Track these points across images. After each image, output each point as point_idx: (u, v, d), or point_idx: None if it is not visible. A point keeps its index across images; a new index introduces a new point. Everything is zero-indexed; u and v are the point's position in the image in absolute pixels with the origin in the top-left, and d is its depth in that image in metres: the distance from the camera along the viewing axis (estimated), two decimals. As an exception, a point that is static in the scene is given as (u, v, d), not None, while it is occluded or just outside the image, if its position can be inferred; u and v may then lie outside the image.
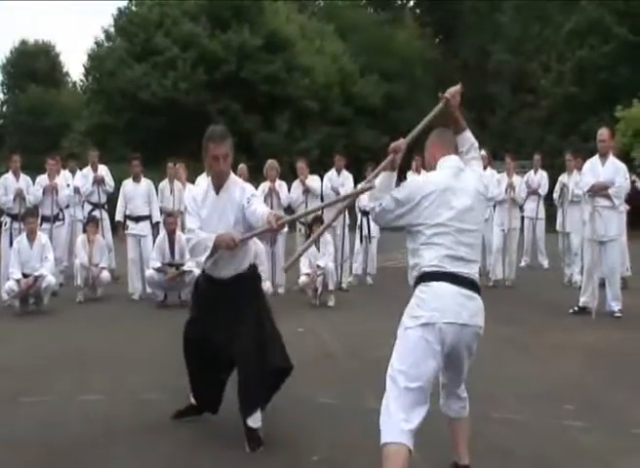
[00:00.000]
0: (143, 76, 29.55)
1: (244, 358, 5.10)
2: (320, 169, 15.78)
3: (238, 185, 5.34)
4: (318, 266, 10.93)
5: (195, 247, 5.17)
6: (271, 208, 11.92)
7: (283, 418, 5.59)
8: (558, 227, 13.59)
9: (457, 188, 4.16)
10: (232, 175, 5.38)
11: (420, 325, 3.98)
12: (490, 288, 12.42)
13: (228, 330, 5.16)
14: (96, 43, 34.40)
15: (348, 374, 7.04)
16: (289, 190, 12.52)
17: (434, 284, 4.01)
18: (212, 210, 5.24)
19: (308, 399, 6.09)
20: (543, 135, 29.93)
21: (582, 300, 9.92)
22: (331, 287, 10.96)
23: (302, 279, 11.06)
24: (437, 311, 3.94)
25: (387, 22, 41.35)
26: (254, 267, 5.45)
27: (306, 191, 12.40)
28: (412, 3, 48.70)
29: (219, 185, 5.28)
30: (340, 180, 12.87)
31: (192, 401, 5.64)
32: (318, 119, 31.92)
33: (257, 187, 12.22)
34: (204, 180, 5.50)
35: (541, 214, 14.98)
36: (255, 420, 5.09)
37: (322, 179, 12.99)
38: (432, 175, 4.39)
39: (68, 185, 12.83)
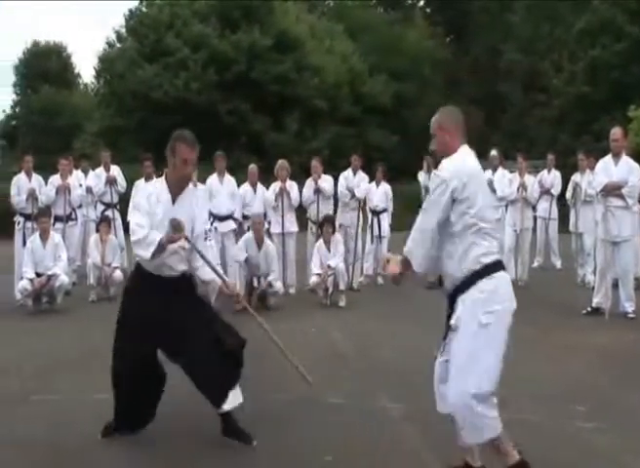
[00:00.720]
0: (155, 77, 29.61)
1: (201, 351, 5.03)
2: (330, 169, 15.79)
3: (197, 199, 5.27)
4: (329, 266, 10.93)
5: (141, 241, 5.00)
6: (282, 208, 11.99)
7: (295, 418, 5.60)
8: (571, 227, 13.54)
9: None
10: (191, 185, 5.35)
11: (498, 317, 4.28)
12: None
13: (179, 326, 5.06)
14: (107, 43, 34.51)
15: (359, 374, 7.04)
16: (300, 190, 12.53)
17: (497, 275, 4.26)
18: (164, 219, 5.05)
19: (319, 399, 6.09)
20: (556, 134, 29.83)
21: (596, 301, 9.89)
22: (342, 287, 10.95)
23: (313, 279, 11.06)
24: (508, 300, 4.35)
25: (397, 22, 41.28)
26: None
27: (318, 191, 12.39)
28: (422, 2, 48.63)
29: (177, 192, 5.15)
30: (355, 181, 12.88)
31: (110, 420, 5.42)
32: (328, 119, 31.91)
33: (267, 187, 12.32)
34: (158, 183, 5.27)
35: (554, 214, 14.90)
36: (230, 402, 5.06)
37: (335, 180, 12.99)
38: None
39: (81, 185, 12.85)
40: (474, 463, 4.36)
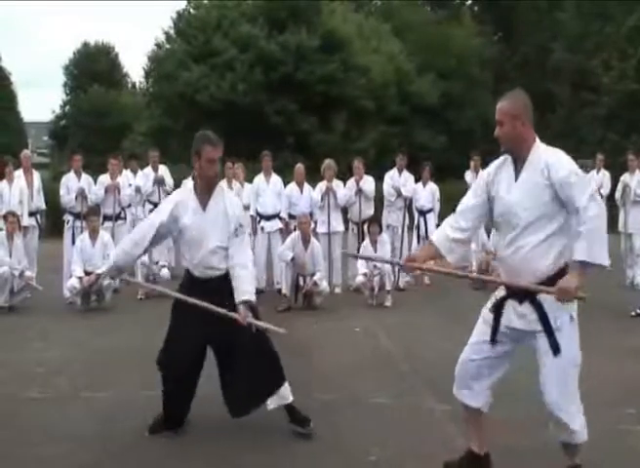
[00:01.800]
0: (202, 78, 29.80)
1: (246, 351, 5.14)
2: (376, 168, 15.75)
3: (228, 199, 5.32)
4: (375, 266, 10.92)
5: (134, 234, 5.44)
6: (328, 207, 12.02)
7: (340, 418, 5.61)
8: (620, 228, 13.35)
9: None
10: (220, 183, 5.39)
11: None
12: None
13: (225, 328, 5.11)
14: (156, 45, 34.83)
15: (405, 375, 7.02)
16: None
17: None
18: (198, 229, 5.19)
19: (365, 399, 6.09)
20: (605, 133, 29.43)
21: (645, 303, 9.77)
22: (388, 287, 10.93)
23: (359, 279, 11.06)
24: None
25: (445, 21, 41.04)
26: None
27: (359, 192, 12.38)
28: (470, 1, 48.30)
29: (207, 194, 5.24)
30: (401, 180, 12.85)
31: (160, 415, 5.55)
32: (374, 119, 31.83)
33: (314, 187, 12.35)
34: (186, 191, 5.38)
35: (603, 214, 14.71)
36: (282, 398, 5.25)
37: (380, 179, 12.97)
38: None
39: (130, 185, 12.99)
40: (480, 451, 4.38)
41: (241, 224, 5.27)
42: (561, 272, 4.06)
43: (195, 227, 5.18)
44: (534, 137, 4.17)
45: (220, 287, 5.20)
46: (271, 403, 5.25)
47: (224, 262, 5.23)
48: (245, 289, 5.09)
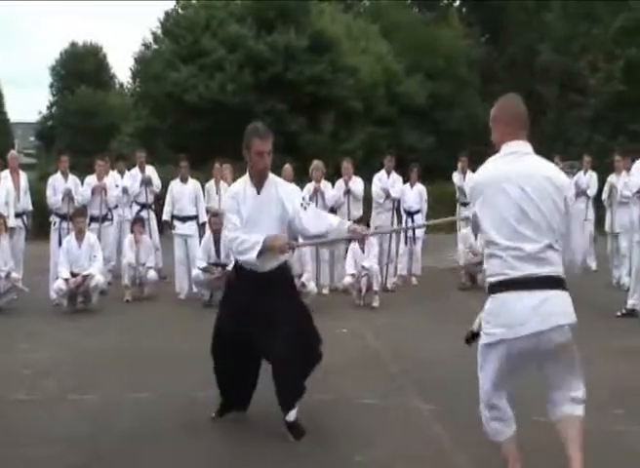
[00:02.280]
0: (190, 78, 29.75)
1: (283, 356, 5.14)
2: (365, 169, 15.74)
3: (280, 184, 5.43)
4: (363, 267, 10.93)
5: (241, 245, 5.18)
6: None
7: (327, 418, 5.61)
8: (607, 228, 13.41)
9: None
10: (272, 175, 5.46)
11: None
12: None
13: (267, 325, 5.19)
14: (144, 45, 34.76)
15: (393, 375, 7.03)
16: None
17: (501, 295, 3.89)
18: (253, 210, 5.30)
19: (352, 399, 6.10)
20: (592, 134, 29.56)
21: (631, 303, 9.78)
22: (375, 287, 10.94)
23: (347, 279, 11.07)
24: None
25: (433, 22, 41.13)
26: (286, 261, 5.57)
27: (348, 192, 12.38)
28: (457, 2, 48.41)
29: (260, 183, 5.34)
30: (390, 182, 12.86)
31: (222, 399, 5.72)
32: (363, 119, 31.85)
33: (302, 188, 12.33)
34: (241, 181, 5.51)
35: (590, 215, 14.78)
36: (291, 415, 5.21)
37: (368, 181, 12.98)
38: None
39: (117, 186, 12.96)
40: None
41: (304, 197, 5.48)
42: None
43: (251, 210, 5.28)
44: (501, 145, 4.01)
45: (275, 280, 5.32)
46: (292, 415, 5.25)
47: (274, 258, 5.30)
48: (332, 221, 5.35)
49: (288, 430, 5.20)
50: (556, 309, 3.80)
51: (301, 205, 5.28)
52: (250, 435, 5.30)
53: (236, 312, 5.37)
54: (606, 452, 4.92)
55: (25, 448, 5.09)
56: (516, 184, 3.76)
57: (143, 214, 13.11)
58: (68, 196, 11.94)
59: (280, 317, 5.18)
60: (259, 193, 5.33)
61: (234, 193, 5.44)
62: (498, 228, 3.79)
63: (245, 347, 5.38)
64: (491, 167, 3.96)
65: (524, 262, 3.73)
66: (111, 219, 12.81)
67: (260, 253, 5.10)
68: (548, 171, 3.87)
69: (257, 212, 5.28)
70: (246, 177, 5.44)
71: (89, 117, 39.60)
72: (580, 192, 14.19)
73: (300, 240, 5.72)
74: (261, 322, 5.21)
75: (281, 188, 5.38)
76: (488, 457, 4.49)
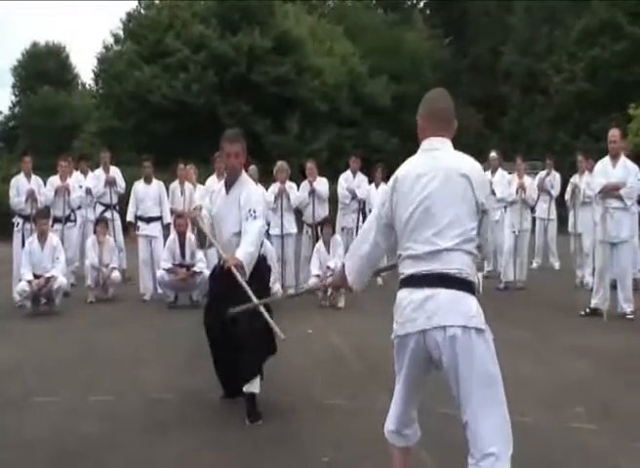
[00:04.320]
0: (153, 78, 29.60)
1: (245, 333, 5.49)
2: (330, 170, 15.76)
3: (246, 188, 5.81)
4: (328, 267, 10.94)
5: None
6: (281, 209, 11.99)
7: (292, 419, 5.60)
8: (570, 228, 13.55)
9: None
10: (245, 175, 5.91)
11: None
12: (501, 290, 12.42)
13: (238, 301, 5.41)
14: (104, 47, 34.53)
15: (358, 376, 7.03)
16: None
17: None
18: (220, 207, 5.84)
19: (318, 400, 6.09)
20: (555, 134, 29.89)
21: (594, 302, 9.89)
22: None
23: (312, 280, 11.06)
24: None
25: (397, 23, 41.30)
26: (264, 258, 6.05)
27: (313, 193, 12.37)
28: (422, 4, 48.68)
29: (230, 183, 5.85)
30: (355, 182, 12.88)
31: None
32: (328, 120, 31.90)
33: (267, 189, 12.32)
34: (216, 184, 6.18)
35: (553, 214, 14.92)
36: (254, 386, 5.54)
37: (333, 181, 13.00)
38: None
39: (81, 187, 12.84)
40: None
41: (254, 210, 5.68)
42: None
43: (219, 211, 5.87)
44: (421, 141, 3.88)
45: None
46: (250, 386, 5.55)
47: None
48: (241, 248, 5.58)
49: (246, 412, 5.52)
50: (438, 308, 3.47)
51: (249, 212, 5.65)
52: (214, 436, 5.28)
53: (215, 300, 5.85)
54: (564, 450, 4.97)
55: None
56: (424, 182, 3.60)
57: (108, 214, 13.00)
58: (31, 197, 11.80)
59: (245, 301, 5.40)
60: (227, 193, 5.84)
61: (209, 188, 6.25)
62: (402, 227, 3.66)
63: (221, 334, 5.72)
64: (408, 163, 3.82)
65: (418, 260, 3.57)
66: (74, 220, 12.69)
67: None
68: (462, 166, 3.62)
69: (223, 210, 5.82)
70: (221, 180, 6.02)
71: (51, 117, 39.19)
72: (542, 189, 14.29)
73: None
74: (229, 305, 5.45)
75: (245, 191, 5.77)
76: (452, 457, 4.51)
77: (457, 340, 3.42)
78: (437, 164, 3.63)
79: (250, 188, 5.83)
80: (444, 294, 3.46)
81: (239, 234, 5.68)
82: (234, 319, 5.43)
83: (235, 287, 5.37)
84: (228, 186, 5.86)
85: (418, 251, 3.56)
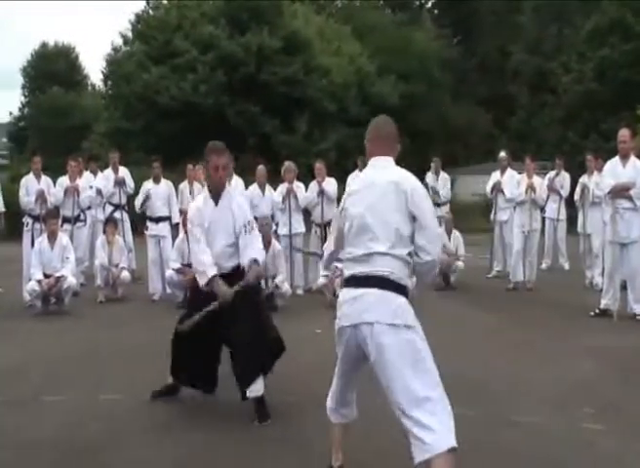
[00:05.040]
0: (161, 79, 29.61)
1: (242, 337, 5.53)
2: (338, 170, 15.74)
3: (235, 198, 5.89)
4: (336, 268, 10.92)
5: (197, 265, 5.84)
6: (289, 209, 12.00)
7: (303, 420, 5.60)
8: (579, 229, 13.51)
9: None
10: (228, 186, 5.99)
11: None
12: (510, 290, 12.39)
13: (229, 315, 5.55)
14: (113, 49, 34.59)
15: (366, 376, 7.02)
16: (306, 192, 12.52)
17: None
18: (212, 220, 5.79)
19: (325, 400, 6.08)
20: (564, 134, 29.81)
21: (604, 303, 9.85)
22: (349, 288, 10.92)
23: (321, 280, 11.07)
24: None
25: (405, 23, 41.26)
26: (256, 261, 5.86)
27: (321, 193, 12.36)
28: (430, 4, 48.64)
29: (217, 195, 5.81)
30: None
31: (170, 380, 6.17)
32: (336, 120, 31.86)
33: (276, 189, 12.33)
34: (203, 193, 6.03)
35: (562, 215, 14.86)
36: (254, 390, 5.53)
37: (342, 181, 12.97)
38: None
39: (91, 187, 12.86)
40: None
41: (249, 221, 5.77)
42: None
43: (211, 221, 5.80)
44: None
45: (231, 282, 5.67)
46: (251, 391, 5.55)
47: (231, 260, 5.80)
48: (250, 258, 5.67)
49: (255, 413, 5.52)
50: (368, 306, 3.90)
51: (245, 227, 5.71)
52: (221, 436, 5.28)
53: (200, 306, 5.73)
54: (572, 451, 4.97)
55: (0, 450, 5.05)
56: (365, 194, 4.08)
57: (117, 214, 13.03)
58: (41, 197, 11.85)
59: (240, 309, 5.55)
60: (216, 205, 5.83)
61: (197, 207, 5.94)
62: (346, 233, 4.13)
63: (206, 334, 5.72)
64: (357, 178, 4.39)
65: (355, 263, 4.02)
66: (84, 220, 12.72)
67: (207, 284, 5.69)
68: (397, 179, 4.05)
69: (215, 222, 5.80)
70: (205, 191, 5.98)
71: (61, 118, 39.28)
72: (552, 189, 14.25)
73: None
74: (223, 314, 5.59)
75: (234, 201, 5.84)
76: (467, 457, 4.50)
77: (381, 335, 3.82)
78: (378, 179, 4.09)
79: (239, 199, 5.96)
80: (374, 294, 3.90)
81: (232, 245, 5.77)
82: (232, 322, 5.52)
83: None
84: (216, 198, 5.85)
85: (355, 254, 4.03)
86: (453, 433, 3.72)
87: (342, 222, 4.20)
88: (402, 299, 3.90)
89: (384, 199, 3.99)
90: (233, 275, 5.74)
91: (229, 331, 5.61)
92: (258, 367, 5.61)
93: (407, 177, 4.08)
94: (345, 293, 4.05)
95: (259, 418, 5.50)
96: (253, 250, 5.69)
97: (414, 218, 3.96)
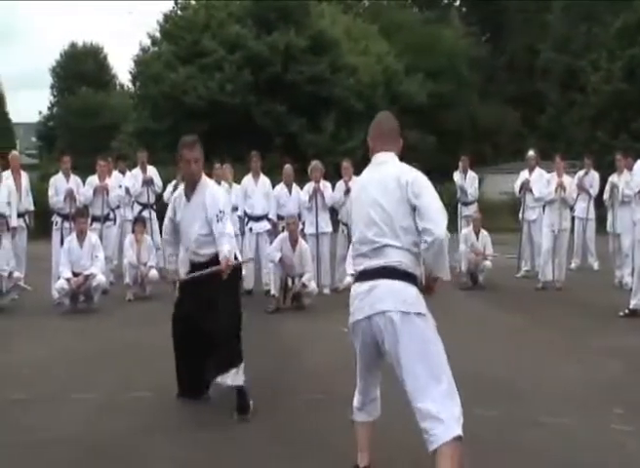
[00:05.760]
0: (188, 79, 29.69)
1: (218, 326, 5.66)
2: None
3: (209, 190, 5.88)
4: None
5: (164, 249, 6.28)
6: (315, 208, 12.00)
7: (327, 418, 5.59)
8: (608, 228, 13.40)
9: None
10: (205, 178, 5.95)
11: None
12: (539, 290, 12.31)
13: (206, 303, 5.75)
14: (141, 49, 34.76)
15: (391, 375, 7.00)
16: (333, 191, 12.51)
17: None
18: (184, 215, 5.98)
19: (351, 399, 6.07)
20: (593, 133, 29.55)
21: (633, 303, 9.75)
22: (376, 287, 10.91)
23: (348, 279, 11.03)
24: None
25: (433, 21, 41.11)
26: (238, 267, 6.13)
27: (348, 192, 12.34)
28: (458, 2, 48.43)
29: (191, 189, 5.90)
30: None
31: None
32: (363, 119, 31.74)
33: (302, 188, 12.34)
34: (181, 188, 6.17)
35: (592, 214, 14.71)
36: (233, 379, 5.60)
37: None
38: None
39: (120, 186, 12.94)
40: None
41: (221, 210, 5.76)
42: None
43: (183, 217, 5.97)
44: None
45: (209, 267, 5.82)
46: (222, 380, 5.62)
47: (208, 248, 5.85)
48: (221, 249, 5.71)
49: (237, 402, 5.62)
50: (381, 296, 3.96)
51: (217, 216, 5.73)
52: (242, 435, 5.29)
53: (186, 296, 6.09)
54: (601, 452, 4.92)
55: (23, 448, 5.09)
56: (369, 190, 4.19)
57: (145, 214, 13.11)
58: (70, 196, 11.95)
59: (214, 298, 5.72)
60: (188, 201, 5.94)
61: (174, 198, 6.18)
62: (354, 229, 4.28)
63: (194, 328, 5.87)
64: (360, 176, 4.50)
65: (364, 258, 4.10)
66: (113, 220, 12.80)
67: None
68: (399, 173, 4.15)
69: (187, 217, 5.93)
70: (182, 185, 6.19)
71: (90, 117, 39.59)
72: (581, 188, 14.14)
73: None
74: (199, 304, 5.81)
75: (208, 194, 5.85)
76: (487, 457, 4.49)
77: (396, 323, 3.89)
78: (381, 175, 4.20)
79: (212, 191, 5.91)
80: (385, 284, 3.97)
81: (207, 235, 5.82)
82: (207, 309, 5.70)
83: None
84: (189, 193, 5.93)
85: (364, 249, 4.11)
86: (459, 422, 3.81)
87: (351, 221, 4.35)
88: (413, 289, 4.00)
89: (386, 193, 4.08)
90: (210, 262, 5.82)
91: (209, 317, 5.72)
92: (236, 355, 5.70)
93: (407, 171, 4.19)
94: (357, 288, 4.10)
95: (240, 412, 5.58)
96: (223, 242, 5.72)
97: (415, 208, 4.03)
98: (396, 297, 3.94)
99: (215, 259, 5.75)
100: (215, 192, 5.91)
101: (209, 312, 5.69)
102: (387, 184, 4.10)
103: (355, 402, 4.37)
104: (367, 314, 3.99)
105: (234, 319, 5.83)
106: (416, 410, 3.87)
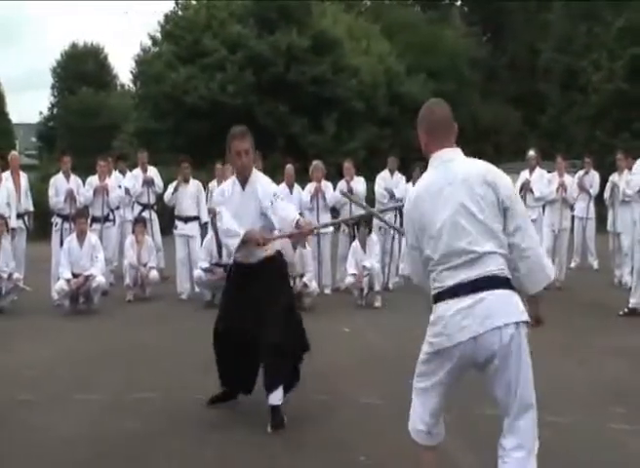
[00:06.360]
0: (189, 79, 29.70)
1: (270, 342, 5.40)
2: (366, 170, 15.70)
3: (260, 182, 5.72)
4: (364, 267, 10.92)
5: (226, 232, 5.68)
6: (317, 208, 12.00)
7: (331, 419, 5.60)
8: (609, 227, 13.40)
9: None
10: (255, 171, 5.78)
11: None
12: (539, 289, 12.31)
13: (258, 313, 5.51)
14: (142, 49, 34.76)
15: (394, 375, 7.00)
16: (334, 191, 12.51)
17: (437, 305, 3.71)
18: (239, 205, 5.70)
19: (354, 399, 6.08)
20: (593, 132, 29.55)
21: (633, 302, 9.76)
22: (377, 287, 10.94)
23: (349, 279, 11.06)
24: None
25: (434, 21, 41.11)
26: (280, 253, 5.86)
27: (350, 192, 12.35)
28: (459, 1, 48.41)
29: (243, 180, 5.69)
30: (393, 182, 12.86)
31: (222, 388, 6.01)
32: (365, 119, 31.80)
33: (303, 188, 12.34)
34: (229, 180, 5.99)
35: (592, 213, 14.71)
36: (275, 398, 5.39)
37: (370, 181, 12.97)
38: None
39: (120, 187, 12.93)
40: None
41: (275, 194, 5.62)
42: None
43: (237, 205, 5.67)
44: (428, 155, 3.87)
45: (263, 270, 5.65)
46: (273, 397, 5.42)
47: (262, 252, 5.63)
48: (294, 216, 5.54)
49: (270, 417, 5.39)
50: (493, 309, 3.53)
51: (271, 201, 5.53)
52: (255, 436, 5.29)
53: (233, 305, 5.77)
54: (601, 451, 4.91)
55: (27, 449, 5.10)
56: (449, 195, 3.63)
57: (145, 214, 13.09)
58: (70, 197, 11.93)
59: (268, 306, 5.50)
60: (243, 189, 5.71)
61: (221, 190, 5.95)
62: (431, 243, 3.67)
63: (243, 336, 5.63)
64: (423, 180, 3.82)
65: (456, 271, 3.60)
66: (113, 220, 12.78)
67: (240, 245, 5.56)
68: (482, 171, 3.67)
69: (242, 206, 5.66)
70: (234, 177, 5.84)
71: (90, 117, 39.62)
72: (581, 187, 14.13)
73: (276, 232, 5.76)
74: (251, 311, 5.57)
75: (260, 185, 5.68)
76: (493, 459, 4.48)
77: (511, 337, 3.50)
78: (456, 175, 3.64)
79: (263, 182, 5.75)
80: (492, 296, 3.52)
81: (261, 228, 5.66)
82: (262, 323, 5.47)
83: (265, 289, 5.53)
84: (242, 183, 5.72)
85: (455, 262, 3.58)
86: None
87: (416, 235, 3.75)
88: (517, 295, 3.63)
89: (474, 195, 3.59)
90: (260, 268, 5.65)
91: (259, 330, 5.50)
92: (280, 374, 5.50)
93: (490, 168, 3.70)
94: (452, 306, 3.55)
95: (273, 428, 5.36)
96: (289, 210, 5.60)
97: (506, 210, 3.61)
98: (508, 307, 3.55)
99: (265, 264, 5.64)
100: (266, 183, 5.75)
101: (260, 322, 5.50)
102: (473, 186, 3.60)
103: (420, 425, 3.90)
104: (476, 333, 3.50)
105: (285, 328, 5.54)
106: (509, 426, 3.67)
